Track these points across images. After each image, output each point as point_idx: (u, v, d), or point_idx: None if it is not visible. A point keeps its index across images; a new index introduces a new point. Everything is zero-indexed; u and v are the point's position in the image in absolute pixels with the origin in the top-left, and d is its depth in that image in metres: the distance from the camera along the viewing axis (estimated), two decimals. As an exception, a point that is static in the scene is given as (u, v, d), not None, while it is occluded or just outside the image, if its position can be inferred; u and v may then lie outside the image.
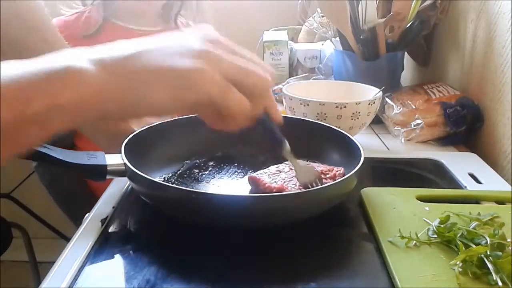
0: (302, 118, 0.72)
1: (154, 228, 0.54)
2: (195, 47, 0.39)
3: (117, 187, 0.62)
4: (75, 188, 1.17)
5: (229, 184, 0.62)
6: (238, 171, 0.65)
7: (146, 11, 1.07)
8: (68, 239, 0.52)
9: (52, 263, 0.47)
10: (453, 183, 0.66)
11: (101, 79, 0.36)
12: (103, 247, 0.49)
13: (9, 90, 0.33)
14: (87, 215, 0.56)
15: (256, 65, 0.42)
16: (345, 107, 0.72)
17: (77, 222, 1.16)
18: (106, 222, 0.54)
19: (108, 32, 1.06)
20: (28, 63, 0.35)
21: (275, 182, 0.56)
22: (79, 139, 1.13)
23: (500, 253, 0.42)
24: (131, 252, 0.49)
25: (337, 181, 0.53)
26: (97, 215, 0.55)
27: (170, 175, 0.63)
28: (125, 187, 0.62)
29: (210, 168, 0.65)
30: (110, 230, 0.53)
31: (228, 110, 0.40)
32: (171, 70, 0.38)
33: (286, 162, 0.60)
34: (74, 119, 0.36)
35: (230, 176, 0.64)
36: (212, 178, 0.63)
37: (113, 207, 0.57)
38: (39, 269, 1.48)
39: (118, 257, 0.48)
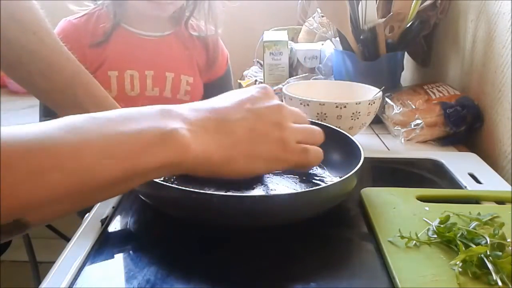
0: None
1: (154, 228, 0.54)
2: (276, 124, 0.48)
3: (117, 187, 0.62)
4: None
5: (230, 184, 0.62)
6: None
7: (159, 16, 1.04)
8: (68, 239, 0.52)
9: (52, 263, 0.47)
10: (453, 183, 0.66)
11: (204, 150, 0.43)
12: (103, 247, 0.49)
13: (121, 148, 0.37)
14: (87, 215, 0.56)
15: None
16: (345, 107, 0.72)
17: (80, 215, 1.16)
18: (106, 222, 0.54)
19: (116, 38, 1.04)
20: (125, 120, 0.39)
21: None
22: None
23: (500, 253, 0.42)
24: (131, 252, 0.49)
25: (337, 181, 0.53)
26: (97, 215, 0.55)
27: (170, 175, 0.63)
28: (125, 187, 0.62)
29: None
30: (110, 230, 0.53)
31: (310, 166, 0.52)
32: (269, 146, 0.47)
33: None
34: (171, 174, 0.46)
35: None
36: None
37: (113, 207, 0.57)
38: (39, 269, 1.48)
39: (118, 257, 0.48)
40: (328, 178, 0.63)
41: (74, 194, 0.35)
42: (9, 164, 0.31)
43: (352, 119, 0.74)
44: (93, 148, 0.36)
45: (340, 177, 0.53)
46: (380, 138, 0.87)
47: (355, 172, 0.52)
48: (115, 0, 1.04)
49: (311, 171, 0.64)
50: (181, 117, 0.42)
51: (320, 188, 0.53)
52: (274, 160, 0.48)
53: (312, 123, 0.69)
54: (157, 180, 0.52)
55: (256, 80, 1.23)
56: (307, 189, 0.58)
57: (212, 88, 1.14)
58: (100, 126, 0.37)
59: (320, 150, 0.51)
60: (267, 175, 0.63)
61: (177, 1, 1.02)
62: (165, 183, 0.52)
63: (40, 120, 1.06)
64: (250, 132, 0.46)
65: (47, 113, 1.03)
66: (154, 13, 1.01)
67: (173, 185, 0.52)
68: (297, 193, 0.52)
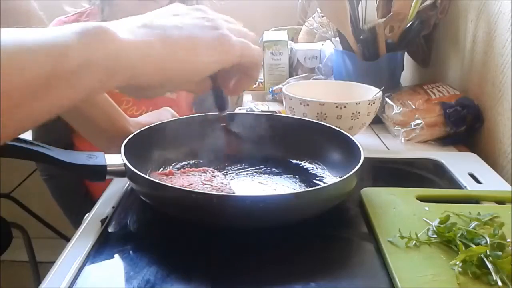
0: (302, 118, 0.72)
1: (154, 228, 0.54)
2: (209, 20, 0.44)
3: (117, 187, 0.62)
4: (73, 182, 1.17)
5: (230, 184, 0.62)
6: (239, 170, 0.65)
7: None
8: (68, 239, 0.52)
9: (52, 263, 0.47)
10: (453, 183, 0.66)
11: (138, 41, 0.37)
12: (103, 247, 0.49)
13: (41, 48, 0.32)
14: (87, 215, 0.56)
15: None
16: (345, 107, 0.72)
17: (72, 217, 1.16)
18: (106, 222, 0.54)
19: None
20: (56, 28, 0.34)
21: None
22: (78, 138, 1.13)
23: (500, 253, 0.42)
24: (131, 252, 0.49)
25: (337, 181, 0.53)
26: (97, 215, 0.55)
27: (170, 175, 0.62)
28: (125, 187, 0.62)
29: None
30: (110, 230, 0.53)
31: (253, 60, 0.47)
32: (208, 37, 0.42)
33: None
34: (104, 80, 0.35)
35: (231, 176, 0.64)
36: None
37: (113, 207, 0.57)
38: (39, 269, 1.48)
39: (118, 257, 0.48)
40: (328, 178, 0.63)
41: None
42: None
43: (352, 119, 0.74)
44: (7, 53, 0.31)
45: (340, 177, 0.53)
46: (380, 138, 0.87)
47: (355, 172, 0.52)
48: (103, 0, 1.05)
49: (311, 171, 0.65)
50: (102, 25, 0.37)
51: (320, 188, 0.53)
52: (216, 50, 0.43)
53: (312, 123, 0.69)
54: (157, 180, 0.52)
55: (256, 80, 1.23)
56: (307, 189, 0.58)
57: None
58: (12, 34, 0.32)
59: (260, 49, 0.49)
60: (267, 176, 0.63)
61: (162, 1, 1.03)
62: (165, 183, 0.52)
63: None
64: (183, 26, 0.42)
65: None
66: (142, 11, 1.02)
67: (173, 185, 0.52)
68: (297, 193, 0.52)
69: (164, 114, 0.76)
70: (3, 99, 0.30)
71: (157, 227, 0.54)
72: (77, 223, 1.23)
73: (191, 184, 0.56)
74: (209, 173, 0.60)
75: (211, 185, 0.56)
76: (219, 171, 0.63)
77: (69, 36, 0.34)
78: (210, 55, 0.42)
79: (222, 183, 0.57)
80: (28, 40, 0.32)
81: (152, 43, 0.39)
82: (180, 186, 0.55)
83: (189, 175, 0.59)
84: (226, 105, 0.55)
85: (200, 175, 0.60)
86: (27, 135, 0.98)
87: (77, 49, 0.33)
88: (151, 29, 0.40)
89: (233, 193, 0.56)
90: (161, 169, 0.64)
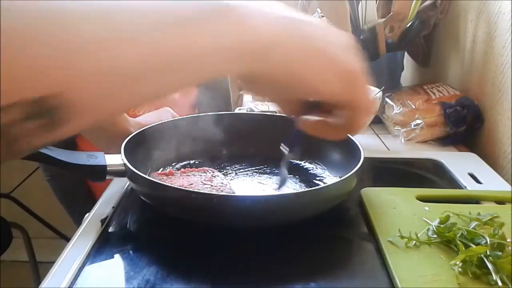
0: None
1: (154, 228, 0.54)
2: (353, 48, 0.37)
3: (117, 187, 0.62)
4: (76, 182, 1.17)
5: (230, 184, 0.62)
6: (239, 170, 0.65)
7: None
8: (68, 239, 0.52)
9: (52, 263, 0.47)
10: (453, 183, 0.66)
11: (272, 26, 0.32)
12: (103, 247, 0.49)
13: (170, 27, 0.27)
14: (87, 215, 0.56)
15: None
16: (345, 107, 0.72)
17: (75, 216, 1.16)
18: (106, 222, 0.54)
19: None
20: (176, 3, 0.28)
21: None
22: (81, 139, 1.13)
23: (500, 253, 0.42)
24: (131, 252, 0.49)
25: (337, 181, 0.53)
26: (97, 215, 0.55)
27: (170, 175, 0.62)
28: (125, 187, 0.62)
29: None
30: (110, 230, 0.53)
31: (364, 113, 0.40)
32: (347, 62, 0.36)
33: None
34: (229, 63, 0.30)
35: (231, 176, 0.64)
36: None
37: (113, 207, 0.57)
38: (39, 269, 1.48)
39: (118, 257, 0.48)
40: (328, 178, 0.63)
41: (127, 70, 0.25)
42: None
43: (352, 119, 0.73)
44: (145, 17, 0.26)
45: (340, 177, 0.53)
46: (380, 138, 0.87)
47: (355, 172, 0.52)
48: None
49: (311, 171, 0.65)
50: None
51: (320, 188, 0.53)
52: (346, 80, 0.36)
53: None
54: (157, 180, 0.52)
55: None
56: (307, 189, 0.58)
57: (205, 87, 1.15)
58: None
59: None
60: (267, 176, 0.63)
61: None
62: (165, 183, 0.52)
63: None
64: (325, 36, 0.35)
65: None
66: None
67: (173, 185, 0.52)
68: (297, 193, 0.52)
69: (164, 114, 0.76)
70: (131, 73, 0.26)
71: (157, 227, 0.54)
72: (80, 222, 1.23)
73: (191, 184, 0.56)
74: (209, 173, 0.60)
75: (211, 185, 0.56)
76: (219, 171, 0.63)
77: (195, 14, 0.28)
78: (338, 80, 0.36)
79: (222, 183, 0.57)
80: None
81: (288, 35, 0.33)
82: (180, 186, 0.55)
83: (189, 175, 0.59)
84: (297, 145, 0.49)
85: (200, 175, 0.60)
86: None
87: (203, 30, 0.28)
88: (291, 20, 0.33)
89: (233, 193, 0.56)
90: (161, 169, 0.64)
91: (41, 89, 0.22)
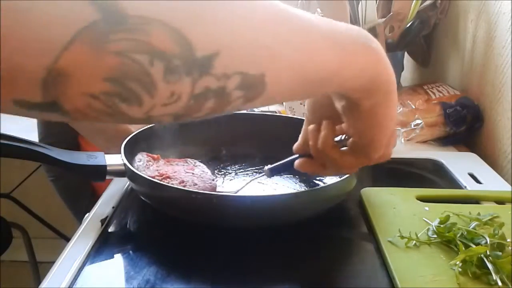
0: (302, 118, 0.72)
1: (154, 228, 0.54)
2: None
3: (117, 187, 0.62)
4: (80, 183, 1.17)
5: (230, 184, 0.62)
6: (239, 170, 0.65)
7: None
8: (68, 239, 0.52)
9: (52, 263, 0.47)
10: (453, 183, 0.66)
11: (390, 77, 0.40)
12: (103, 247, 0.49)
13: (336, 41, 0.34)
14: (87, 215, 0.56)
15: None
16: (345, 107, 0.72)
17: (80, 216, 1.16)
18: (106, 222, 0.54)
19: None
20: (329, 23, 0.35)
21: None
22: (84, 140, 1.13)
23: (500, 253, 0.42)
24: (131, 252, 0.49)
25: (337, 181, 0.53)
26: (97, 215, 0.55)
27: (170, 175, 0.62)
28: (125, 187, 0.62)
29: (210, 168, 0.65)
30: (110, 230, 0.53)
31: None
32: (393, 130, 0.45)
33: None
34: (359, 86, 0.37)
35: (231, 176, 0.64)
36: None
37: (113, 207, 0.57)
38: (39, 269, 1.48)
39: (118, 257, 0.48)
40: (328, 178, 0.63)
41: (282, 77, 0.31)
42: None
43: (352, 119, 0.73)
44: (315, 34, 0.33)
45: (340, 177, 0.53)
46: (380, 138, 0.87)
47: (354, 172, 0.52)
48: None
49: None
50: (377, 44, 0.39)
51: (320, 188, 0.53)
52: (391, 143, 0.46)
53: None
54: (156, 180, 0.52)
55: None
56: (306, 189, 0.59)
57: None
58: (309, 19, 0.33)
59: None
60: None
61: None
62: (165, 183, 0.52)
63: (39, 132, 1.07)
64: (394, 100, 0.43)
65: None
66: None
67: (173, 185, 0.52)
68: (297, 193, 0.52)
69: None
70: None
71: (157, 227, 0.54)
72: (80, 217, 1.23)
73: (175, 172, 0.57)
74: (191, 163, 0.61)
75: (193, 173, 0.57)
76: (219, 171, 0.63)
77: (359, 42, 0.36)
78: (387, 143, 0.44)
79: (203, 171, 0.58)
80: (324, 29, 0.34)
81: (390, 90, 0.41)
82: (165, 172, 0.56)
83: (172, 164, 0.60)
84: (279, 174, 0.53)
85: (183, 165, 0.60)
86: (34, 138, 0.98)
87: (361, 58, 0.36)
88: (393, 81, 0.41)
89: (213, 180, 0.56)
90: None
91: (254, 68, 0.29)
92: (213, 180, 0.56)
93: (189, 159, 0.62)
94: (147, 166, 0.58)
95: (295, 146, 0.48)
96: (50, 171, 1.16)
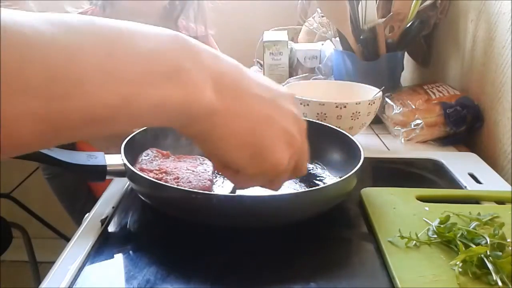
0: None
1: (154, 228, 0.54)
2: (292, 135, 0.41)
3: (117, 187, 0.62)
4: (76, 182, 1.17)
5: (230, 184, 0.62)
6: (238, 171, 0.65)
7: (147, 13, 1.06)
8: (68, 239, 0.52)
9: (52, 263, 0.47)
10: (453, 183, 0.66)
11: (213, 99, 0.35)
12: (103, 247, 0.49)
13: (126, 68, 0.30)
14: (87, 215, 0.56)
15: None
16: (345, 107, 0.72)
17: (74, 215, 1.16)
18: (106, 222, 0.54)
19: None
20: (134, 35, 0.31)
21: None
22: (81, 142, 1.13)
23: (500, 253, 0.42)
24: (131, 252, 0.49)
25: (337, 181, 0.53)
26: (97, 215, 0.55)
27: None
28: (125, 187, 0.62)
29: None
30: (110, 230, 0.53)
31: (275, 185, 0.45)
32: (260, 145, 0.39)
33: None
34: (163, 121, 0.34)
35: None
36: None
37: (113, 207, 0.57)
38: (39, 269, 1.48)
39: (118, 257, 0.48)
40: (328, 178, 0.63)
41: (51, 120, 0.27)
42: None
43: (352, 119, 0.74)
44: (91, 64, 0.28)
45: (340, 177, 0.53)
46: (380, 138, 0.87)
47: (354, 172, 0.52)
48: (105, 0, 1.05)
49: (311, 171, 0.65)
50: (198, 57, 0.34)
51: (320, 188, 0.53)
52: (271, 158, 0.40)
53: (312, 123, 0.69)
54: (156, 180, 0.52)
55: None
56: (307, 189, 0.58)
57: None
58: (103, 35, 0.30)
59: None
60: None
61: (163, 0, 1.03)
62: (165, 183, 0.52)
63: None
64: (266, 114, 0.39)
65: None
66: (143, 9, 1.03)
67: (173, 185, 0.52)
68: (297, 193, 0.52)
69: None
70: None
71: (157, 227, 0.54)
72: (79, 221, 1.23)
73: (176, 168, 0.58)
74: (199, 160, 0.61)
75: (193, 171, 0.58)
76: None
77: (166, 64, 0.32)
78: (245, 155, 0.39)
79: (205, 169, 0.58)
80: (117, 52, 0.30)
81: (224, 106, 0.36)
82: (164, 168, 0.57)
83: (180, 161, 0.61)
84: None
85: (190, 162, 0.60)
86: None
87: (166, 86, 0.32)
88: (235, 92, 0.37)
89: (209, 180, 0.56)
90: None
91: None
92: (210, 180, 0.56)
93: (199, 157, 0.62)
94: (151, 161, 0.59)
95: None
96: (46, 169, 1.16)
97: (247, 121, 0.37)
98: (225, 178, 0.45)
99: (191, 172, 0.57)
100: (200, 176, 0.56)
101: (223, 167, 0.43)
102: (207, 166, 0.60)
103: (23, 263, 1.51)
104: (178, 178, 0.55)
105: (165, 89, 0.32)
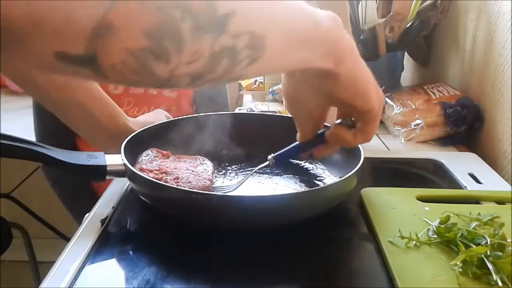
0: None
1: (154, 228, 0.54)
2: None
3: (117, 187, 0.62)
4: (80, 186, 1.17)
5: (231, 184, 0.62)
6: (239, 170, 0.65)
7: None
8: (68, 239, 0.52)
9: (52, 263, 0.47)
10: (453, 183, 0.66)
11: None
12: (103, 247, 0.49)
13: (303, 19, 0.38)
14: (87, 215, 0.56)
15: None
16: (345, 107, 0.72)
17: (80, 218, 1.16)
18: (106, 222, 0.54)
19: None
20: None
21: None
22: (81, 142, 1.13)
23: (500, 253, 0.42)
24: (131, 252, 0.49)
25: (337, 181, 0.53)
26: (97, 215, 0.55)
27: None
28: (125, 187, 0.62)
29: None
30: (110, 230, 0.53)
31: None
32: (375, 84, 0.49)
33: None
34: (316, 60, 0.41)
35: (231, 176, 0.64)
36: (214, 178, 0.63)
37: (113, 207, 0.57)
38: (39, 269, 1.48)
39: (118, 257, 0.48)
40: (328, 178, 0.63)
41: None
42: None
43: (352, 119, 0.73)
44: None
45: (340, 177, 0.53)
46: (380, 138, 0.87)
47: (354, 172, 0.52)
48: None
49: (311, 171, 0.65)
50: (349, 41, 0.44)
51: (320, 188, 0.53)
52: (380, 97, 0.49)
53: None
54: (156, 180, 0.52)
55: (256, 80, 1.23)
56: (307, 189, 0.58)
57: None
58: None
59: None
60: (267, 176, 0.63)
61: None
62: (165, 183, 0.52)
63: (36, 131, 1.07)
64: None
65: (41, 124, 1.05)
66: None
67: (172, 185, 0.52)
68: (297, 193, 0.52)
69: (159, 116, 0.76)
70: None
71: (157, 227, 0.54)
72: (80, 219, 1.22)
73: (175, 168, 0.58)
74: (198, 160, 0.61)
75: (193, 171, 0.58)
76: (219, 171, 0.63)
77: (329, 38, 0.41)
78: (376, 96, 0.48)
79: (205, 169, 0.58)
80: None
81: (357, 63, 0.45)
82: (165, 168, 0.57)
83: (180, 161, 0.60)
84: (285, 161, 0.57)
85: (190, 162, 0.60)
86: (33, 138, 0.98)
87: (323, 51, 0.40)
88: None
89: (209, 180, 0.56)
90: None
91: (259, 28, 0.32)
92: (210, 180, 0.56)
93: (199, 156, 0.62)
94: (151, 161, 0.59)
95: (299, 136, 0.53)
96: (49, 175, 1.16)
97: (365, 74, 0.47)
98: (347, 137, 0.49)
99: (191, 172, 0.57)
100: (199, 176, 0.56)
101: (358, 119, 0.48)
102: (207, 166, 0.60)
103: (23, 263, 1.51)
104: (178, 178, 0.55)
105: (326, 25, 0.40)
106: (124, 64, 0.28)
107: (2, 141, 0.51)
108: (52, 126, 1.09)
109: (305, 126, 0.52)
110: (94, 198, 1.17)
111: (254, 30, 0.32)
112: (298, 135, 0.53)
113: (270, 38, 0.34)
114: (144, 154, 0.60)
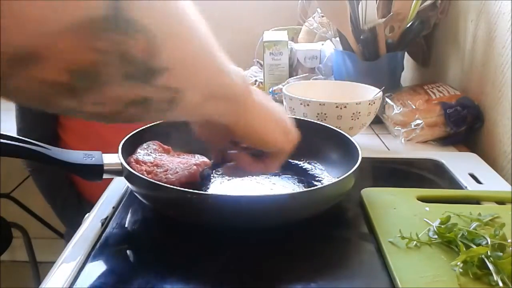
0: (302, 118, 0.72)
1: (154, 228, 0.54)
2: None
3: (117, 187, 0.62)
4: (57, 176, 1.16)
5: (228, 184, 0.62)
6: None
7: None
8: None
9: (52, 263, 0.47)
10: (453, 183, 0.66)
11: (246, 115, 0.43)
12: (103, 247, 0.49)
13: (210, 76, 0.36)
14: (87, 215, 0.56)
15: None
16: (345, 107, 0.72)
17: (57, 210, 1.15)
18: (106, 222, 0.54)
19: None
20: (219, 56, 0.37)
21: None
22: (64, 132, 1.12)
23: (501, 254, 0.42)
24: (131, 252, 0.49)
25: (333, 181, 0.53)
26: (97, 215, 0.55)
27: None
28: (125, 187, 0.62)
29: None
30: (110, 230, 0.52)
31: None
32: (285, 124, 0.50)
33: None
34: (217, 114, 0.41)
35: (230, 176, 0.64)
36: (211, 178, 0.62)
37: (113, 207, 0.57)
38: (39, 269, 1.48)
39: (118, 257, 0.48)
40: (327, 178, 0.63)
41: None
42: None
43: (352, 119, 0.73)
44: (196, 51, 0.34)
45: (338, 177, 0.52)
46: (380, 138, 0.87)
47: (352, 172, 0.52)
48: None
49: (309, 172, 0.65)
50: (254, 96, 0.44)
51: (317, 188, 0.53)
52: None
53: (311, 123, 0.69)
54: (153, 180, 0.52)
55: (256, 80, 1.23)
56: (302, 190, 0.58)
57: None
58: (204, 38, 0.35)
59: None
60: (265, 176, 0.63)
61: None
62: (162, 183, 0.52)
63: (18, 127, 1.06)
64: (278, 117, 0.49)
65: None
66: None
67: (170, 186, 0.51)
68: (294, 193, 0.52)
69: None
70: None
71: (157, 227, 0.54)
72: (62, 215, 1.21)
73: (168, 161, 0.58)
74: (196, 157, 0.61)
75: (183, 163, 0.58)
76: (218, 171, 0.63)
77: (235, 88, 0.40)
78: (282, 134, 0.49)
79: (195, 162, 0.58)
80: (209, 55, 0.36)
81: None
82: (158, 161, 0.57)
83: (178, 157, 0.61)
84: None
85: (186, 158, 0.60)
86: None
87: (219, 104, 0.39)
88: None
89: (196, 163, 0.57)
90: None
91: (184, 85, 0.32)
92: (196, 164, 0.57)
93: (197, 155, 0.62)
94: (149, 153, 0.59)
95: (214, 160, 0.58)
96: (28, 163, 1.15)
97: (271, 115, 0.47)
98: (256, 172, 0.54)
99: (182, 164, 0.57)
100: (186, 165, 0.57)
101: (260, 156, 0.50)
102: (197, 159, 0.60)
103: (23, 263, 1.51)
104: (167, 170, 0.55)
105: (222, 107, 0.40)
106: (30, 90, 0.25)
107: (2, 141, 0.51)
108: (34, 118, 1.09)
109: (213, 151, 0.56)
110: (72, 190, 1.16)
111: (178, 87, 0.31)
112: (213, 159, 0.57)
113: (190, 94, 0.33)
114: (144, 145, 0.60)
